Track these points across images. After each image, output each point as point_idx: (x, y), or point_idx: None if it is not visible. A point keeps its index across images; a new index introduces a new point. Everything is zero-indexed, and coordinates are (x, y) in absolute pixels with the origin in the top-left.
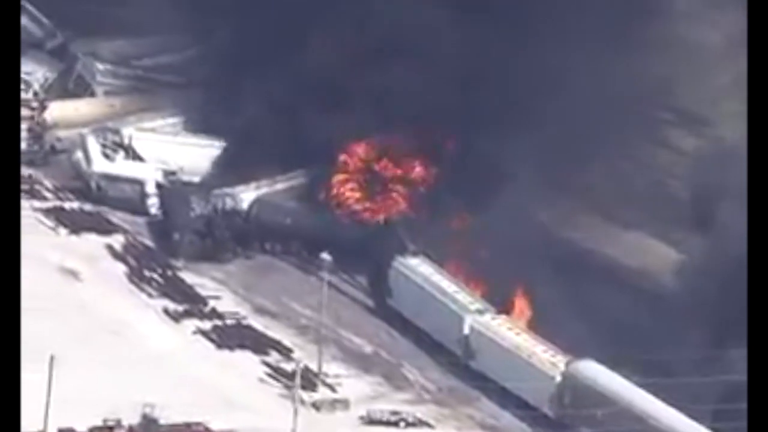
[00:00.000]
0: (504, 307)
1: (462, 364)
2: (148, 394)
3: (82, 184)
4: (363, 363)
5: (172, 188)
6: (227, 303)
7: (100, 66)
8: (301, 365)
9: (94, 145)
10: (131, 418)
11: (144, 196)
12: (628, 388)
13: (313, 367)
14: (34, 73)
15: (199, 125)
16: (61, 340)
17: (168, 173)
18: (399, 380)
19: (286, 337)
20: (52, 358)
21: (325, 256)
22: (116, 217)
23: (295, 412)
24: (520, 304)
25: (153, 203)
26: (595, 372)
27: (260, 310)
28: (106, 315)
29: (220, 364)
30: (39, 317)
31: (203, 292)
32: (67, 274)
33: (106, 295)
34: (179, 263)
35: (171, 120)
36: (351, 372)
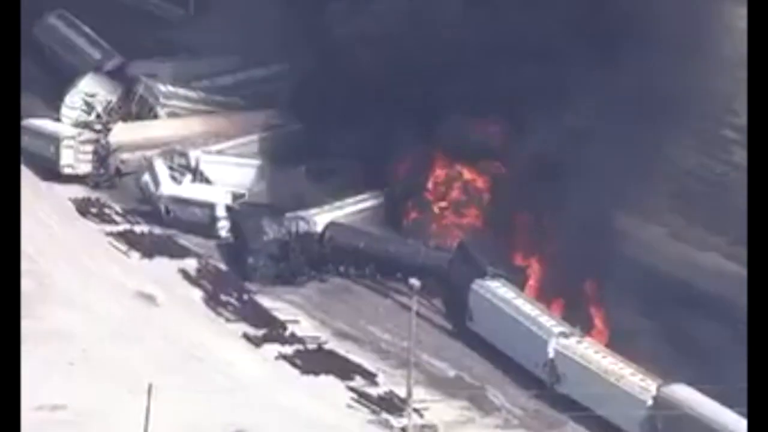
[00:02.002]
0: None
1: (547, 388)
2: (238, 420)
3: (150, 208)
4: (447, 387)
5: (243, 211)
6: (306, 327)
7: (162, 88)
8: (410, 399)
9: (161, 168)
10: None
11: (214, 219)
12: (722, 412)
13: (398, 392)
14: (96, 95)
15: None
16: (149, 367)
17: (237, 196)
18: (485, 404)
19: (368, 362)
20: (150, 387)
21: (414, 281)
22: (186, 240)
23: None
24: (598, 323)
25: (223, 226)
26: (688, 396)
27: (339, 335)
28: (188, 340)
29: (306, 389)
30: (125, 344)
31: (281, 316)
32: (145, 299)
33: (185, 320)
34: (254, 287)
35: (236, 142)
36: (436, 397)
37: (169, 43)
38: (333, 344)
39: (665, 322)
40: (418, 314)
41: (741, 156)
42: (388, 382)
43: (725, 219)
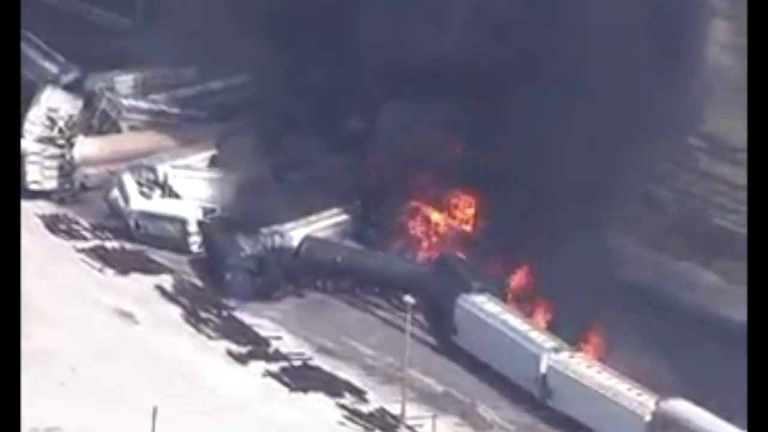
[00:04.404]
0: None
1: (539, 403)
2: None
3: (119, 223)
4: (437, 403)
5: (216, 226)
6: (288, 343)
7: (124, 102)
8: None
9: (130, 184)
10: None
11: (186, 234)
12: (721, 426)
13: (389, 408)
14: (58, 110)
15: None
16: (136, 387)
17: (207, 210)
18: (476, 420)
19: (355, 378)
20: (155, 410)
21: (408, 298)
22: (157, 255)
23: None
24: (594, 340)
25: (194, 241)
26: (687, 411)
27: (323, 350)
28: (171, 358)
29: (297, 407)
30: (112, 363)
31: (262, 333)
32: (124, 316)
33: (167, 337)
34: (233, 303)
35: (203, 155)
36: (427, 412)
37: (118, 53)
38: (317, 360)
39: (640, 330)
40: (401, 329)
41: (707, 163)
42: (378, 398)
43: (696, 227)
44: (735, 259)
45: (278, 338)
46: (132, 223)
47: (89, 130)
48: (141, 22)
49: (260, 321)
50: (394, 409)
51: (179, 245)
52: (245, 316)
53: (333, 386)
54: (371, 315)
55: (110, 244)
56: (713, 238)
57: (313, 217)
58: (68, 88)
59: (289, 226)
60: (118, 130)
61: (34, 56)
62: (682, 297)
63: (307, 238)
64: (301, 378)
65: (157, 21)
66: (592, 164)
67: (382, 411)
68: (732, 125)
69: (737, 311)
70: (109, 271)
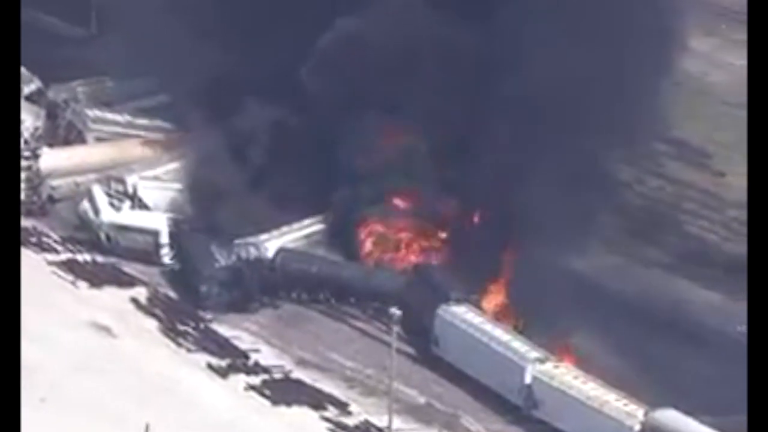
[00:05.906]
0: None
1: (524, 415)
2: None
3: (89, 235)
4: (420, 415)
5: (188, 237)
6: (267, 356)
7: (89, 112)
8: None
9: (100, 195)
10: None
11: (157, 245)
12: None
13: (373, 420)
14: (23, 122)
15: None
16: (119, 402)
17: (178, 222)
18: None
19: (337, 391)
20: (147, 427)
21: (395, 310)
22: (130, 268)
23: None
24: (566, 348)
25: (166, 253)
26: (677, 420)
27: (302, 363)
28: (152, 372)
29: (281, 421)
30: (92, 377)
31: (241, 345)
32: (101, 330)
33: (145, 351)
34: (209, 315)
35: (172, 165)
36: (411, 425)
37: (76, 62)
38: (298, 373)
39: (612, 337)
40: (379, 340)
41: (673, 168)
42: (362, 411)
43: (666, 232)
44: (706, 265)
45: (256, 351)
46: (103, 236)
47: (55, 142)
48: (96, 31)
49: (237, 333)
50: (378, 421)
51: (151, 257)
52: (222, 329)
53: (316, 399)
54: (348, 326)
55: (82, 257)
56: (683, 244)
57: (285, 228)
58: (29, 98)
59: (263, 237)
60: (84, 141)
61: None
62: (654, 303)
63: (282, 250)
64: (283, 391)
65: (112, 30)
66: (559, 172)
67: (367, 423)
68: (698, 128)
69: (711, 317)
70: (83, 284)
